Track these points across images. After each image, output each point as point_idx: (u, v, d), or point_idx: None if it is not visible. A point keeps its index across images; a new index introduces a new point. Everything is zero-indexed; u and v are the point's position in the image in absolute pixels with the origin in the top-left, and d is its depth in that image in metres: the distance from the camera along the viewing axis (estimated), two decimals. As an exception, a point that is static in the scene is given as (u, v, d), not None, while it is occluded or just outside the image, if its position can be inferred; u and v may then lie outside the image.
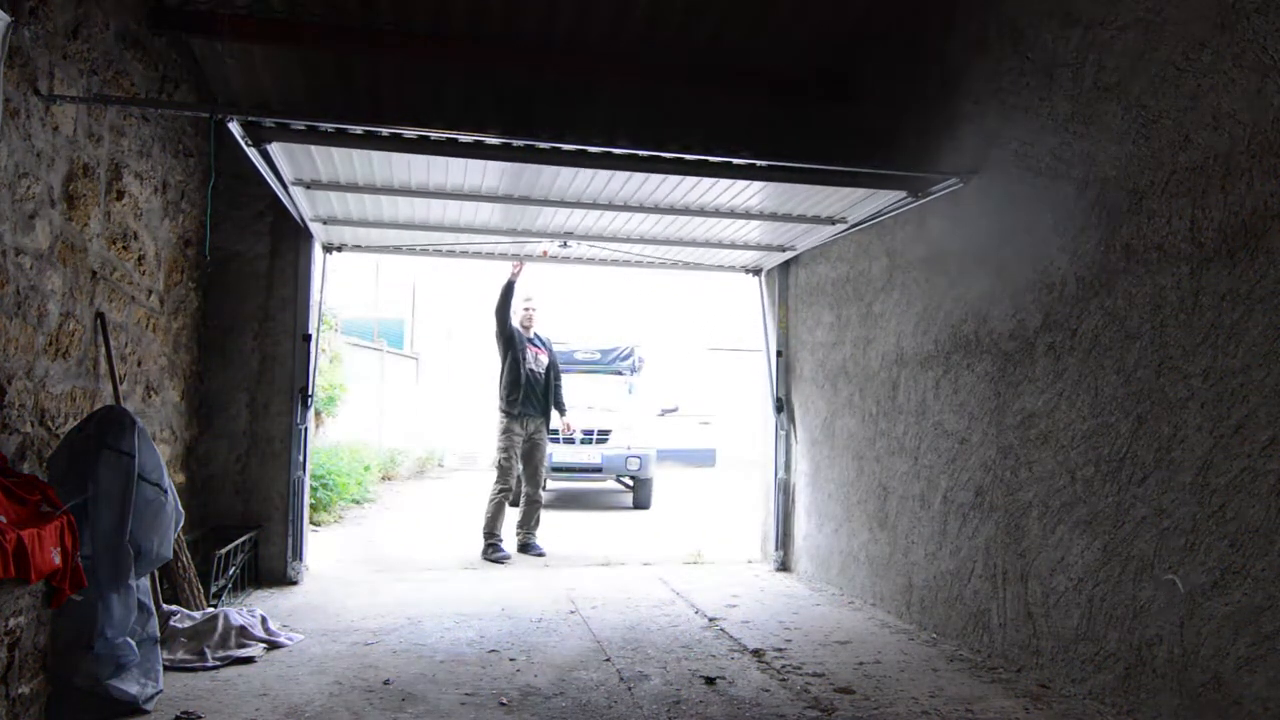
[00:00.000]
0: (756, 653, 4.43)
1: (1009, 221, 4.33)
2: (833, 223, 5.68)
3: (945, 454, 4.78)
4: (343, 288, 12.80)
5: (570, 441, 11.04)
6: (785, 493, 6.96)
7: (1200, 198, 3.24)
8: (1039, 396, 4.06)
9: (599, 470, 11.18)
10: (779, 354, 7.02)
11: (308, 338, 6.01)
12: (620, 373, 13.08)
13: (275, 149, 4.24)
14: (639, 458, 11.15)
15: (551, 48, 5.36)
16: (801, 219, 5.66)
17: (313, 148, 4.30)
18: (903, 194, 4.99)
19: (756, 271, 7.16)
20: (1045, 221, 4.05)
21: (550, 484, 11.99)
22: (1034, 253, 4.11)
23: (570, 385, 12.52)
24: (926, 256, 5.09)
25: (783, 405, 6.98)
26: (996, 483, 4.35)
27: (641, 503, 11.32)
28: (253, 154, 4.21)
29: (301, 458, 6.02)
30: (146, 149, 4.60)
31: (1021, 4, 4.28)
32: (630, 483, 11.63)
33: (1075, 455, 3.82)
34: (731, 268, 7.14)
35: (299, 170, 4.71)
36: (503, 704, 3.62)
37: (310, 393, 6.04)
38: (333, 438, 10.88)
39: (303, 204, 5.25)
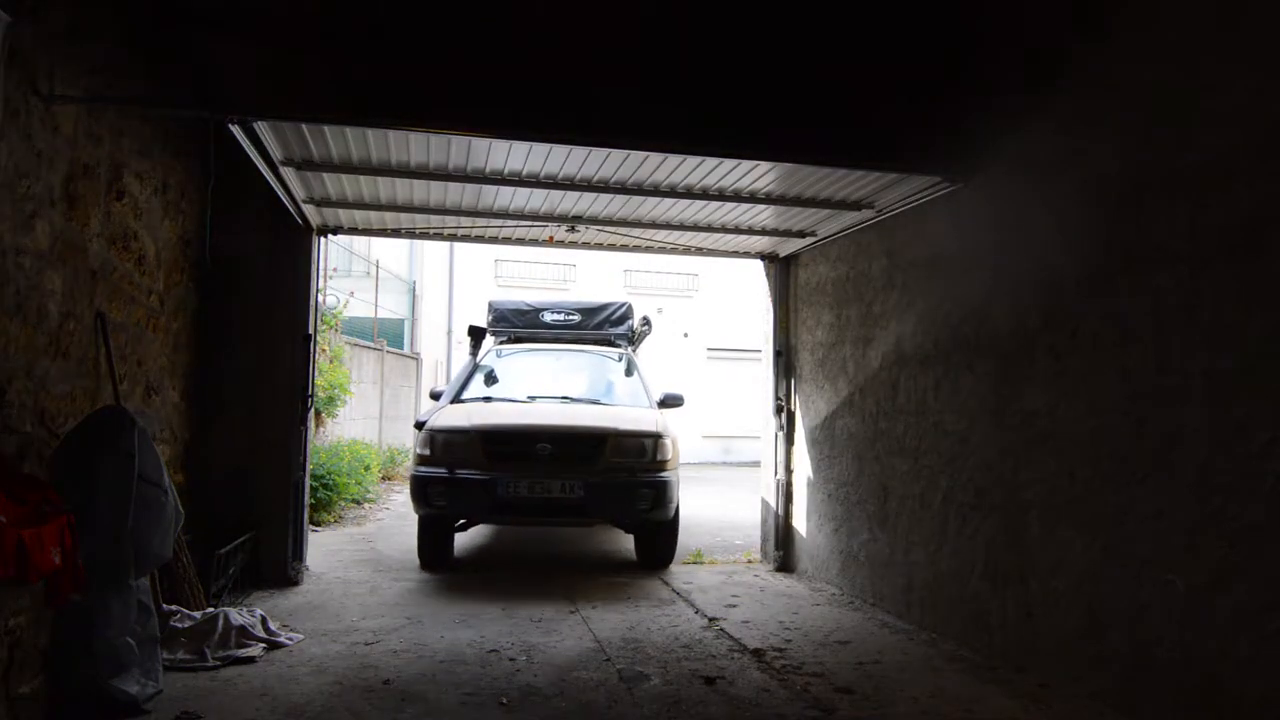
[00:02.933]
0: (756, 653, 4.43)
1: (1009, 221, 4.33)
2: (859, 208, 5.48)
3: (945, 454, 4.78)
4: (343, 288, 12.76)
5: (528, 456, 6.02)
6: (785, 493, 6.96)
7: (1200, 198, 3.24)
8: (1039, 396, 4.06)
9: (581, 511, 6.13)
10: (779, 354, 7.02)
11: (308, 338, 6.01)
12: (612, 343, 8.56)
13: (262, 127, 4.21)
14: (654, 486, 6.10)
15: (554, 44, 5.34)
16: (826, 203, 5.49)
17: (303, 125, 4.30)
18: (937, 179, 4.76)
19: (773, 258, 7.10)
20: (1045, 221, 4.05)
21: (483, 526, 7.89)
22: (1034, 253, 4.12)
23: (536, 363, 8.20)
24: (926, 256, 5.09)
25: (783, 405, 6.98)
26: (996, 483, 4.35)
27: (658, 558, 6.74)
28: (237, 132, 4.15)
29: (301, 458, 6.02)
30: (146, 149, 4.60)
31: (1024, 3, 4.28)
32: (637, 523, 6.62)
33: (1075, 455, 3.82)
34: (746, 254, 7.09)
35: (288, 150, 4.68)
36: (503, 704, 3.62)
37: (310, 393, 6.04)
38: (333, 438, 10.87)
39: (294, 186, 5.23)
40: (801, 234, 6.35)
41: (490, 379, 7.64)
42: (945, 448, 4.78)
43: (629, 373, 7.99)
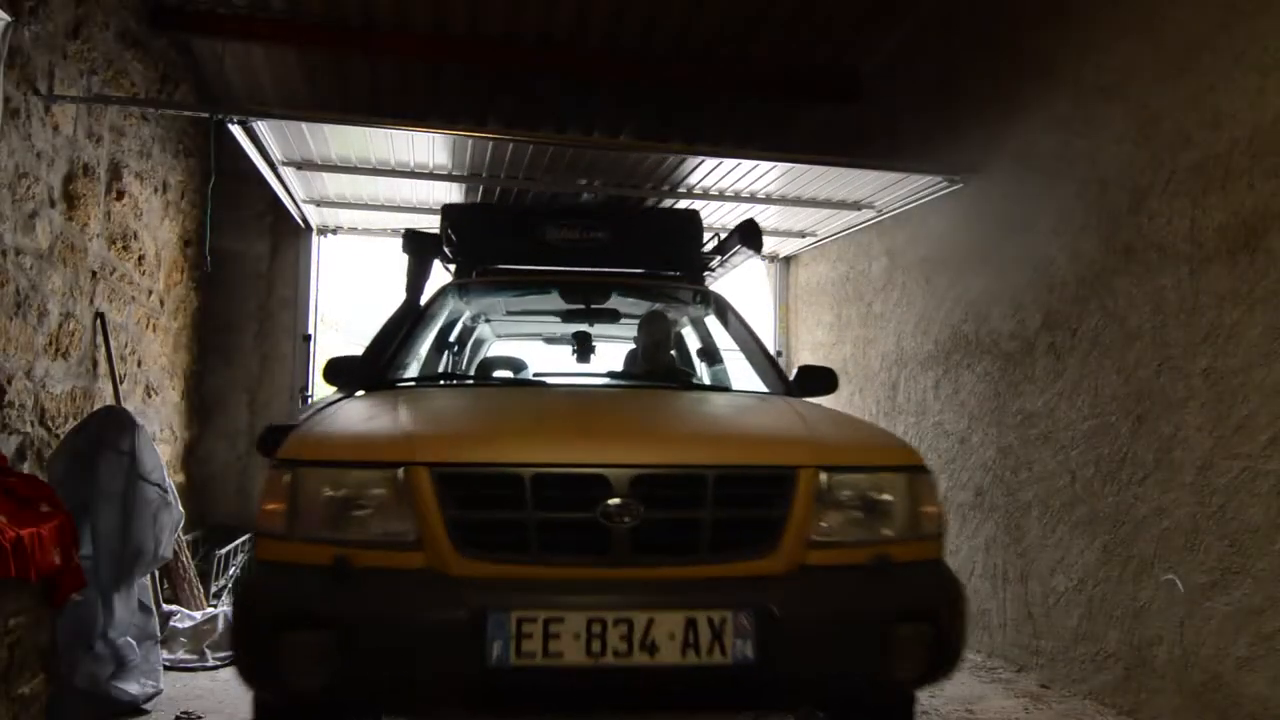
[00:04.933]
0: (756, 653, 4.40)
1: (1009, 221, 4.33)
2: (859, 208, 5.46)
3: (945, 454, 4.78)
4: (343, 287, 12.73)
5: (575, 533, 1.98)
6: (785, 493, 6.89)
7: (1200, 198, 3.24)
8: (1039, 396, 4.06)
9: (741, 693, 1.99)
10: (779, 354, 7.01)
11: (308, 338, 6.02)
12: (671, 273, 4.27)
13: (263, 127, 4.18)
14: (931, 603, 2.14)
15: (552, 46, 5.35)
16: (826, 203, 5.47)
17: (303, 125, 4.26)
18: (937, 179, 4.74)
19: (773, 258, 7.08)
20: (1045, 221, 4.05)
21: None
22: (1034, 253, 4.11)
23: (543, 310, 4.54)
24: (926, 256, 5.09)
25: (783, 405, 6.94)
26: (996, 483, 4.34)
27: None
28: (238, 132, 4.12)
29: (301, 458, 5.99)
30: (146, 149, 4.60)
31: (1022, 3, 4.28)
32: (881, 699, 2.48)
33: (1075, 455, 3.82)
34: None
35: (289, 150, 4.68)
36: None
37: (310, 392, 6.04)
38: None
39: (295, 186, 5.23)
40: (802, 234, 6.35)
41: (449, 339, 4.19)
42: (945, 448, 4.78)
43: (722, 327, 4.07)
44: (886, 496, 2.22)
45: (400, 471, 2.00)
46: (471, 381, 3.83)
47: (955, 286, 4.77)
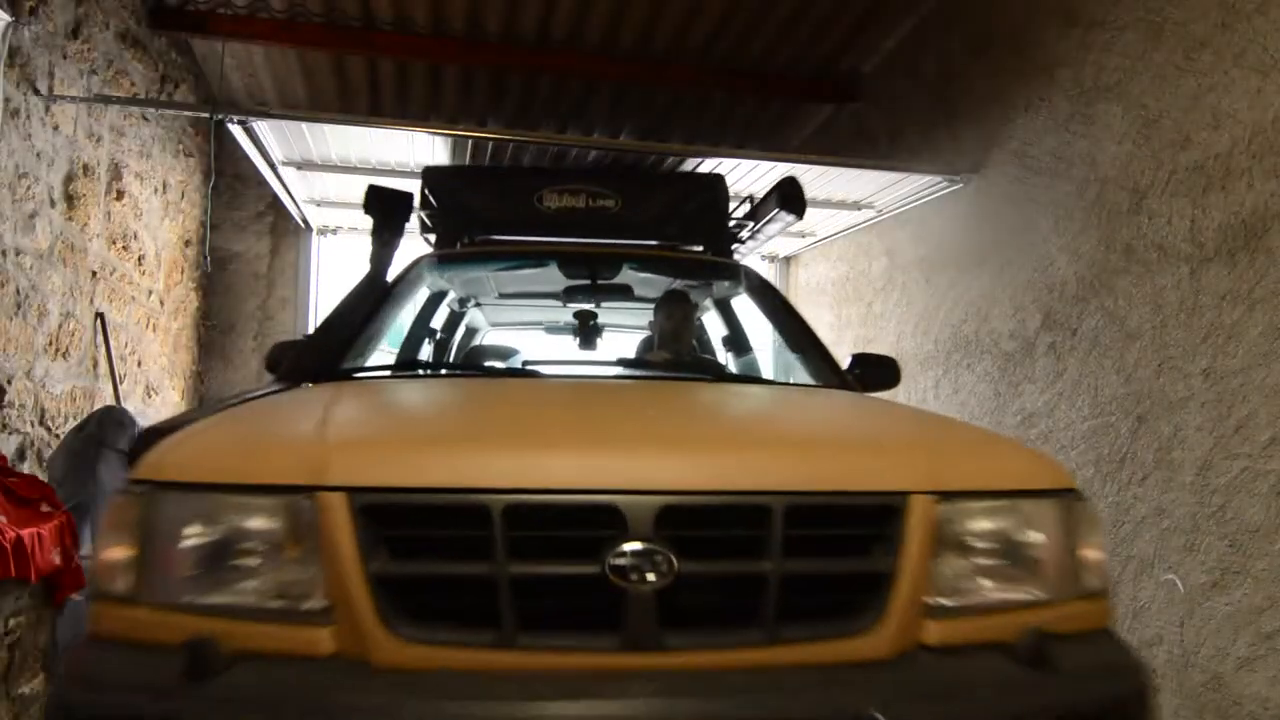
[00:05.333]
0: (756, 653, 4.38)
1: (1009, 221, 4.33)
2: (859, 208, 5.47)
3: (945, 454, 4.77)
4: (343, 287, 12.74)
5: (570, 597, 1.30)
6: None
7: (1200, 198, 3.24)
8: (1039, 396, 4.06)
9: None
10: (779, 354, 7.01)
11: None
12: (687, 246, 3.63)
13: (263, 127, 4.17)
14: None
15: (551, 46, 5.36)
16: (826, 203, 5.48)
17: (303, 125, 4.26)
18: (937, 179, 4.72)
19: (772, 257, 7.09)
20: (1045, 221, 4.05)
21: None
22: (1034, 253, 4.11)
23: (539, 287, 3.81)
24: (926, 256, 5.09)
25: (783, 405, 6.92)
26: (996, 483, 4.34)
27: None
28: (238, 132, 4.11)
29: (301, 458, 5.97)
30: (146, 149, 4.60)
31: (1022, 3, 4.28)
32: None
33: (1075, 455, 3.82)
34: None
35: (289, 150, 4.67)
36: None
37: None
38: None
39: (295, 186, 5.22)
40: (802, 234, 6.35)
41: (422, 321, 3.72)
42: (945, 448, 4.77)
43: (754, 308, 3.36)
44: (1033, 536, 1.52)
45: (303, 499, 1.29)
46: (441, 373, 3.22)
47: (955, 286, 4.77)
